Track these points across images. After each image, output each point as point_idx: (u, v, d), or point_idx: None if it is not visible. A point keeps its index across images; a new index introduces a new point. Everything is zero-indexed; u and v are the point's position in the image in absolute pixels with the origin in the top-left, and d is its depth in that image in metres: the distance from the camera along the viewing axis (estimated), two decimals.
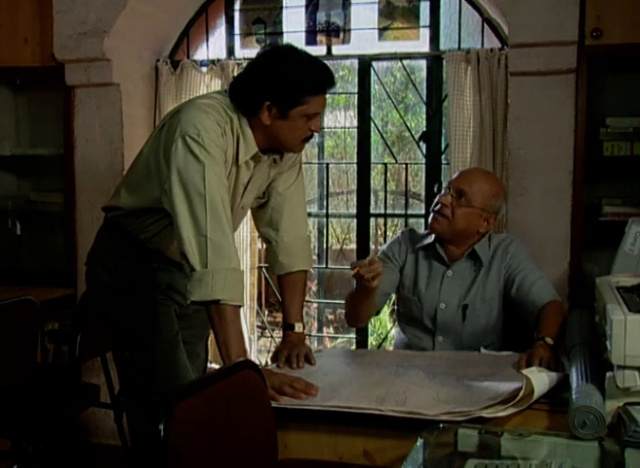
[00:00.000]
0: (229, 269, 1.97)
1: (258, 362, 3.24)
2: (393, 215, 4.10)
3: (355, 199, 3.89)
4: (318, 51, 3.74)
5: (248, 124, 2.11)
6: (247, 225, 3.67)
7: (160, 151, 2.08)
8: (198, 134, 1.99)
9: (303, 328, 2.37)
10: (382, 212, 3.96)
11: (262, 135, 2.12)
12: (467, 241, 2.55)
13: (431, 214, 2.57)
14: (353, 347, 3.89)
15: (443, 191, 2.58)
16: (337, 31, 3.75)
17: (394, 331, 2.80)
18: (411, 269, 2.62)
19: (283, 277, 2.40)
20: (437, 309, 2.54)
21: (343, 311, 2.69)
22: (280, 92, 2.05)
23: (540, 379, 1.86)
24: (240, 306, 2.02)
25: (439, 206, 2.52)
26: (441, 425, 1.63)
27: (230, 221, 2.04)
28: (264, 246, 2.51)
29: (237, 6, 3.90)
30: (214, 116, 2.04)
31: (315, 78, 2.09)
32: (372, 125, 3.79)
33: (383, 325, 4.99)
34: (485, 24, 3.53)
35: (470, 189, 2.50)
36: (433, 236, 2.59)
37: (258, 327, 4.13)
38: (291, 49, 2.14)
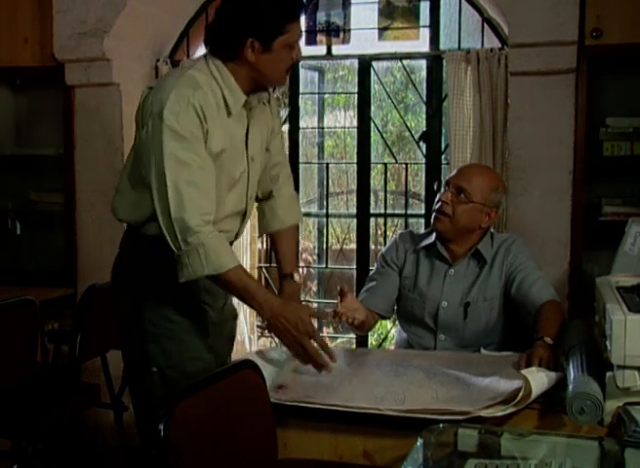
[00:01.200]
0: (200, 244, 1.97)
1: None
2: (393, 215, 4.10)
3: (355, 199, 3.89)
4: (318, 51, 3.74)
5: (230, 73, 2.08)
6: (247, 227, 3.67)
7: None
8: (164, 113, 1.98)
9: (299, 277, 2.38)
10: (382, 211, 3.96)
11: (246, 75, 2.09)
12: (470, 238, 2.55)
13: (433, 214, 2.57)
14: (353, 347, 3.89)
15: (442, 189, 2.58)
16: (337, 31, 3.75)
17: (395, 331, 2.80)
18: (411, 269, 2.62)
19: (279, 231, 2.39)
20: (439, 307, 2.54)
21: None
22: (261, 24, 2.03)
23: (539, 379, 1.86)
24: (234, 267, 2.02)
25: (440, 204, 2.53)
26: (441, 425, 1.64)
27: (210, 193, 2.03)
28: (261, 211, 2.47)
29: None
30: (184, 92, 2.00)
31: (290, 3, 2.08)
32: (372, 125, 3.79)
33: (384, 325, 4.98)
34: (485, 24, 3.53)
35: (469, 185, 2.50)
36: (434, 235, 2.59)
37: (257, 326, 4.13)
38: None
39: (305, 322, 2.03)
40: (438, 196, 2.58)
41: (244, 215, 2.26)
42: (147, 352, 2.14)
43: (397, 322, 2.76)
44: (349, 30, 3.74)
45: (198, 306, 2.20)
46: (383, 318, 2.74)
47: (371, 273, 2.75)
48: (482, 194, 2.51)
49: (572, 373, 1.79)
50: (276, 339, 2.16)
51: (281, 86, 2.27)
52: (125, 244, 2.25)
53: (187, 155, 2.00)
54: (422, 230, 3.74)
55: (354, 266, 3.89)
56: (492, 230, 2.62)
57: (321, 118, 4.33)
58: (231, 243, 2.23)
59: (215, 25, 2.12)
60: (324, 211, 4.08)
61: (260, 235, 2.60)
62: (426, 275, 2.59)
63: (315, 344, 2.05)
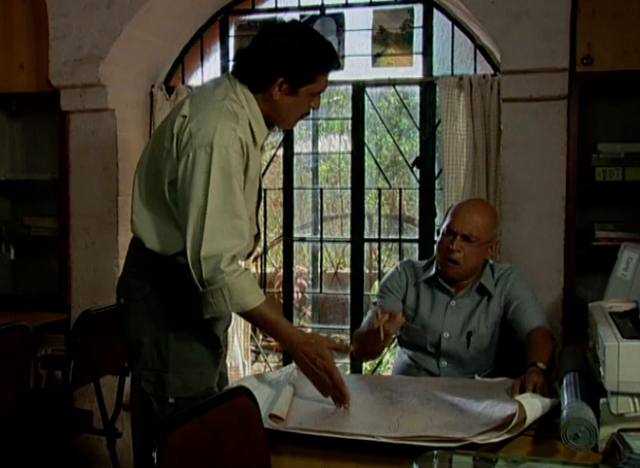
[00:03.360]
0: (224, 285, 1.97)
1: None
2: (387, 240, 4.10)
3: (349, 223, 3.90)
4: None
5: (255, 102, 2.12)
6: None
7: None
8: (214, 146, 1.98)
9: None
10: (377, 236, 3.96)
11: (264, 110, 2.13)
12: (475, 273, 2.60)
13: (441, 260, 2.57)
14: (348, 372, 3.88)
15: (445, 232, 2.58)
16: None
17: (397, 354, 2.80)
18: (413, 300, 2.65)
19: None
20: (441, 338, 2.57)
21: (341, 336, 2.68)
22: (297, 68, 2.08)
23: (534, 405, 1.85)
24: (260, 303, 2.02)
25: (451, 253, 2.53)
26: (435, 452, 1.63)
27: (246, 229, 2.04)
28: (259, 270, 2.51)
29: (232, 32, 3.93)
30: (230, 125, 2.02)
31: (327, 57, 2.14)
32: (365, 150, 3.81)
33: None
34: (477, 51, 3.57)
35: (477, 231, 2.54)
36: (434, 268, 2.61)
37: (252, 351, 4.12)
38: (300, 25, 2.24)
39: (324, 357, 2.02)
40: (443, 241, 2.57)
41: (257, 237, 2.30)
42: (166, 383, 2.12)
43: (399, 348, 2.77)
44: (343, 57, 3.76)
45: (214, 334, 2.20)
46: None
47: (373, 301, 2.74)
48: (487, 234, 2.57)
49: (566, 399, 1.79)
50: (270, 364, 2.15)
51: (289, 128, 2.30)
52: (145, 265, 2.17)
53: (232, 191, 2.00)
54: (417, 254, 3.76)
55: (348, 291, 3.89)
56: (491, 261, 2.64)
57: (315, 143, 4.34)
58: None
59: (251, 54, 2.14)
60: (318, 235, 4.08)
61: None
62: (428, 306, 2.61)
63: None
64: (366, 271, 4.10)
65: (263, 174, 3.99)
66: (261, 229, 2.31)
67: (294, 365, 2.23)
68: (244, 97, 2.10)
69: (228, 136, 2.00)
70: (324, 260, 4.19)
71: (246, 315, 2.05)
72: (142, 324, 2.15)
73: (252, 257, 2.36)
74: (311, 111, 2.23)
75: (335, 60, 2.18)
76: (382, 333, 2.24)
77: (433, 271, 2.63)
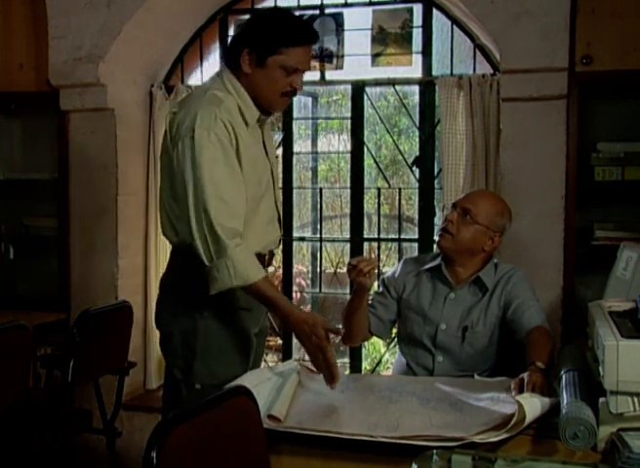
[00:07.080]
0: (227, 257, 2.07)
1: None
2: (387, 240, 4.10)
3: (349, 223, 3.90)
4: (312, 76, 3.76)
5: (242, 88, 2.19)
6: None
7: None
8: (195, 130, 2.08)
9: None
10: (376, 236, 3.96)
11: (247, 90, 2.20)
12: (474, 261, 2.60)
13: (439, 234, 2.62)
14: (347, 372, 3.88)
15: (450, 210, 2.64)
16: (330, 57, 3.78)
17: (397, 354, 2.82)
18: (411, 291, 2.65)
19: None
20: (438, 329, 2.57)
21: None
22: (257, 36, 2.16)
23: (533, 404, 1.85)
24: (261, 277, 2.12)
25: (445, 223, 2.59)
26: (434, 451, 1.63)
27: (238, 207, 2.13)
28: None
29: (231, 31, 3.93)
30: (211, 109, 2.11)
31: (291, 29, 2.19)
32: (365, 149, 3.81)
33: (377, 349, 4.97)
34: (477, 50, 3.57)
35: (475, 207, 2.56)
36: (440, 258, 2.62)
37: None
38: (279, 8, 2.39)
39: (319, 337, 2.10)
40: (444, 216, 2.62)
41: (280, 221, 2.39)
42: (193, 370, 2.22)
43: (396, 347, 2.78)
44: (343, 56, 3.77)
45: (242, 326, 2.29)
46: (378, 336, 2.79)
47: (372, 291, 2.76)
48: (487, 217, 2.56)
49: (565, 399, 1.79)
50: (269, 363, 2.17)
51: (277, 111, 2.36)
52: (176, 261, 2.31)
53: (220, 170, 2.10)
54: (416, 254, 3.76)
55: (348, 291, 3.89)
56: (496, 260, 2.64)
57: (315, 142, 4.34)
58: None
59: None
60: (318, 235, 4.08)
61: None
62: (429, 296, 2.62)
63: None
64: None
65: None
66: (281, 214, 2.44)
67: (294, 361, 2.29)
68: (231, 86, 2.20)
69: (208, 119, 2.09)
70: (323, 260, 4.19)
71: (247, 290, 2.13)
72: (173, 315, 2.27)
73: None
74: (297, 92, 2.27)
75: (305, 35, 2.20)
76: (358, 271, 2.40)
77: (438, 261, 2.63)
